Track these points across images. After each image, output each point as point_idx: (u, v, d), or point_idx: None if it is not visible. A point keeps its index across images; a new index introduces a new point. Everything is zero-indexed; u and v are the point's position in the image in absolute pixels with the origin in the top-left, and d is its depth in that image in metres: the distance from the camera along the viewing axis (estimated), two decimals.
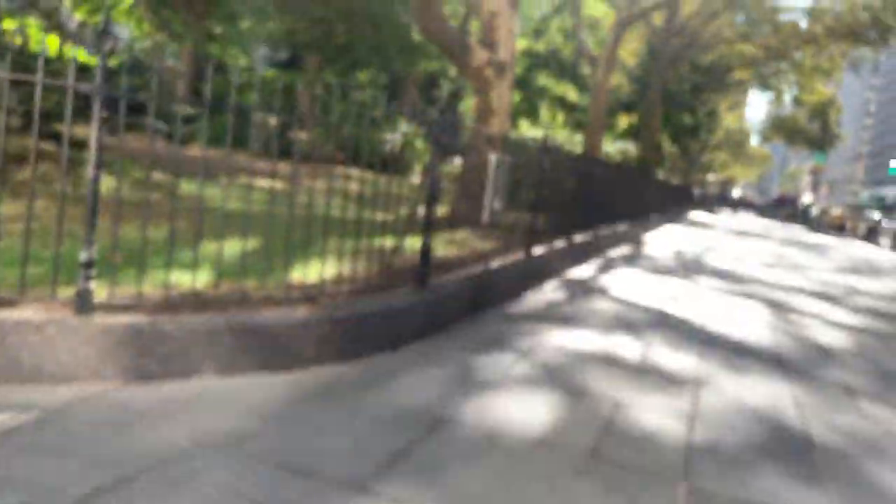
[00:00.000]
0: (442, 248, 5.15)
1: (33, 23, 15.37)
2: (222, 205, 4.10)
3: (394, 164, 4.68)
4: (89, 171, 3.24)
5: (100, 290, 3.50)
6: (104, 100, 3.19)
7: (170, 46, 21.99)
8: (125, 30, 26.28)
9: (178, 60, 21.75)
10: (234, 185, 8.40)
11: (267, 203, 4.15)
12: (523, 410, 3.53)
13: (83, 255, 3.28)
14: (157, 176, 7.92)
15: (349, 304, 4.16)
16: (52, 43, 16.03)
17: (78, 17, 22.35)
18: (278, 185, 8.65)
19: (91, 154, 3.23)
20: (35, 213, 5.34)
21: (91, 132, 3.21)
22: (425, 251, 4.87)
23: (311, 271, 4.57)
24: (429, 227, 4.89)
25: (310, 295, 4.08)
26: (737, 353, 5.32)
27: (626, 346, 5.09)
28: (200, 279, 4.28)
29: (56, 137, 7.86)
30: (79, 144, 7.99)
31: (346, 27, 20.08)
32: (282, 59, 28.71)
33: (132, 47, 21.79)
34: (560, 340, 5.03)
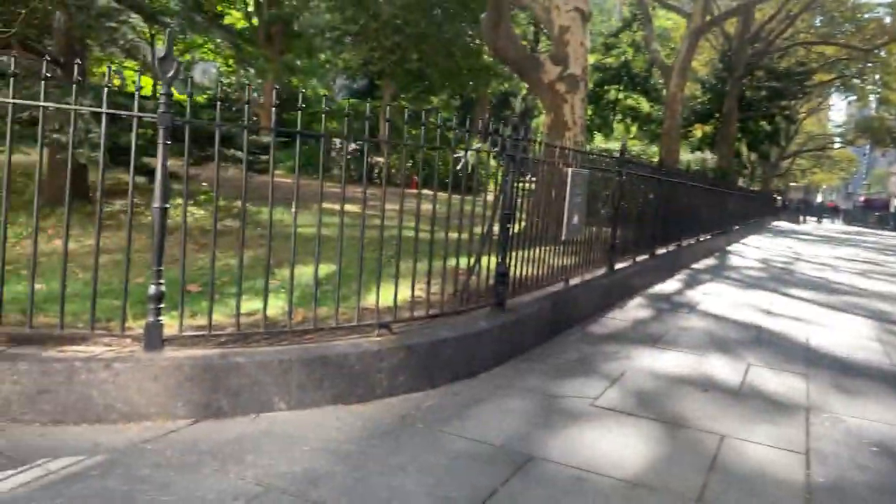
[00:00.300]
0: (519, 266, 4.83)
1: (132, 65, 16.01)
2: (287, 228, 3.90)
3: (466, 183, 4.37)
4: (154, 201, 3.08)
5: (171, 321, 3.34)
6: (167, 129, 3.03)
7: (254, 81, 22.57)
8: (214, 66, 27.18)
9: (260, 94, 22.27)
10: (312, 210, 8.34)
11: (343, 227, 3.93)
12: (616, 445, 3.13)
13: (151, 289, 3.11)
14: (237, 204, 7.91)
15: (424, 330, 3.87)
16: (146, 82, 16.66)
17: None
18: (355, 208, 8.55)
19: (156, 184, 3.07)
20: (122, 246, 5.32)
21: (157, 161, 3.05)
22: (502, 271, 4.54)
23: (386, 295, 4.32)
24: (505, 245, 4.57)
25: (383, 321, 3.81)
26: (846, 373, 4.74)
27: (724, 368, 4.60)
28: (274, 307, 4.09)
29: (147, 171, 7.96)
30: (172, 176, 8.13)
31: (418, 54, 20.09)
32: (359, 88, 29.11)
33: (220, 82, 22.47)
34: (650, 363, 4.59)
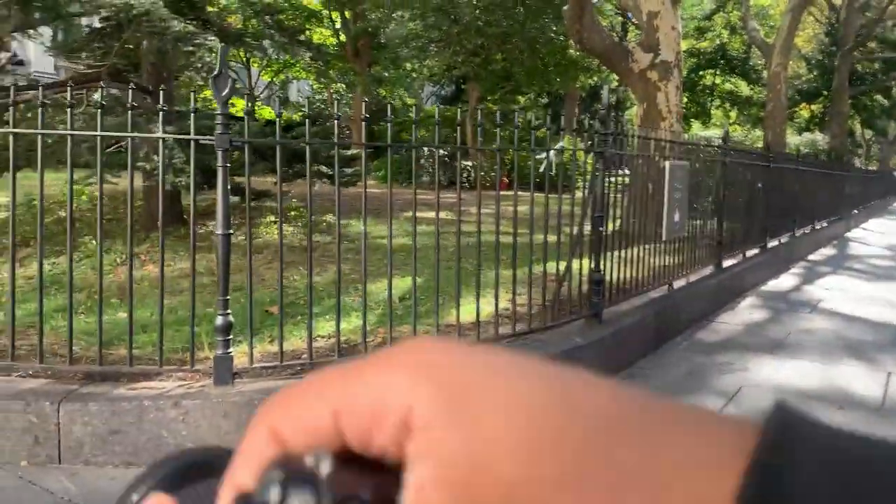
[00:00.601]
0: (615, 270, 4.40)
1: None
2: (371, 240, 3.65)
3: (554, 183, 4.00)
4: (217, 227, 2.90)
5: (242, 350, 3.15)
6: (225, 151, 2.83)
7: (345, 96, 22.88)
8: (305, 84, 27.82)
9: (351, 108, 22.54)
10: (399, 220, 8.15)
11: (428, 236, 3.67)
12: None
13: (219, 320, 2.93)
14: (327, 218, 7.82)
15: (512, 348, 3.52)
16: (238, 103, 17.10)
17: (265, 79, 23.96)
18: (443, 215, 8.32)
19: (218, 210, 2.88)
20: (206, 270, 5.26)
21: (218, 184, 2.86)
22: (597, 278, 4.13)
23: (471, 308, 4.01)
24: (598, 249, 4.15)
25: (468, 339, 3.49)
26: None
27: (859, 379, 3.99)
28: (352, 327, 3.86)
29: (238, 191, 8.01)
30: (258, 195, 8.13)
31: (502, 54, 19.72)
32: (446, 94, 29.03)
33: (311, 100, 22.95)
34: (770, 375, 4.05)
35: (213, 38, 6.04)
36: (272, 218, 7.63)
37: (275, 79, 24.68)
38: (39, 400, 2.75)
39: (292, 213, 7.92)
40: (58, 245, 6.13)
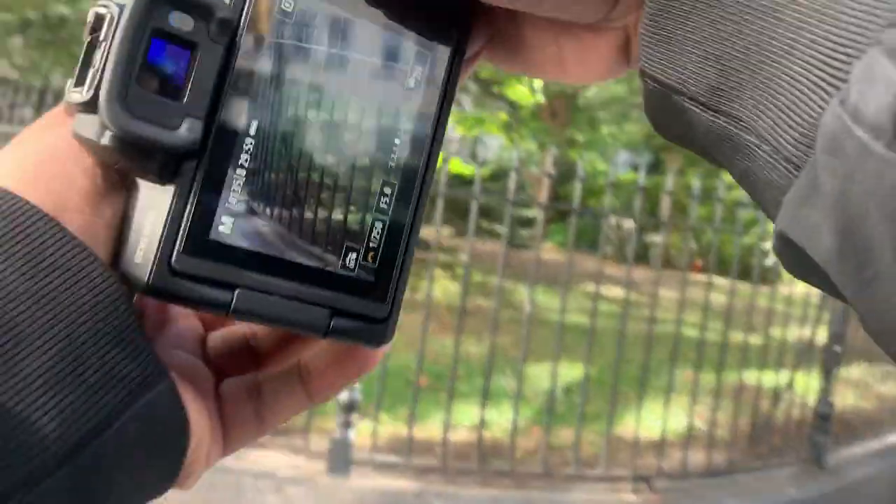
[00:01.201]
0: (848, 398, 3.44)
1: None
2: (544, 312, 3.05)
3: (765, 271, 3.20)
4: None
5: (367, 428, 2.66)
6: None
7: (535, 155, 22.76)
8: (496, 141, 28.17)
9: (539, 167, 22.32)
10: (574, 292, 7.48)
11: (607, 317, 3.03)
12: None
13: (342, 395, 2.45)
14: (488, 280, 7.33)
15: (702, 494, 2.72)
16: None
17: (458, 133, 24.48)
18: (621, 293, 7.51)
19: None
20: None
21: None
22: (824, 411, 3.18)
23: (654, 415, 3.24)
24: (831, 367, 3.22)
25: (642, 474, 2.74)
26: None
27: None
28: (499, 419, 3.26)
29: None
30: (447, 250, 7.90)
31: None
32: (641, 162, 27.97)
33: (500, 157, 23.05)
34: None
35: None
36: (437, 273, 7.29)
37: (467, 134, 25.15)
38: None
39: (458, 269, 7.53)
40: None
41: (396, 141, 0.27)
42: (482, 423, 2.70)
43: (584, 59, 0.27)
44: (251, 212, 0.24)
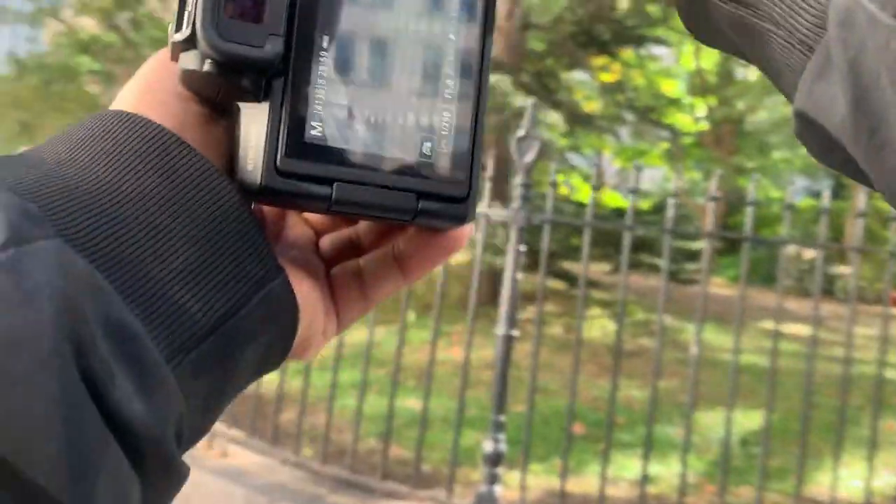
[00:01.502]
0: None
1: (578, 175, 16.56)
2: (714, 353, 2.73)
3: None
4: (499, 325, 2.29)
5: (512, 483, 2.46)
6: (521, 230, 2.25)
7: (700, 185, 21.57)
8: (657, 172, 27.10)
9: (704, 198, 21.12)
10: (752, 329, 6.79)
11: (789, 357, 2.64)
12: None
13: (487, 446, 2.29)
14: (649, 318, 6.86)
15: None
16: (583, 188, 17.03)
17: (615, 165, 23.83)
18: (809, 332, 6.70)
19: (502, 303, 2.28)
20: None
21: (506, 270, 2.27)
22: None
23: (853, 473, 2.76)
24: None
25: None
26: None
27: None
28: (665, 471, 2.93)
29: (562, 276, 7.54)
30: (589, 284, 7.55)
31: None
32: (820, 188, 25.69)
33: (663, 188, 22.06)
34: None
35: (554, 112, 5.71)
36: (595, 311, 6.94)
37: (626, 165, 24.44)
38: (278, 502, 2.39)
39: (617, 307, 7.14)
40: (384, 312, 6.27)
41: (451, 36, 0.30)
42: (645, 478, 2.41)
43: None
44: (336, 115, 0.28)
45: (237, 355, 0.25)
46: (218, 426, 2.77)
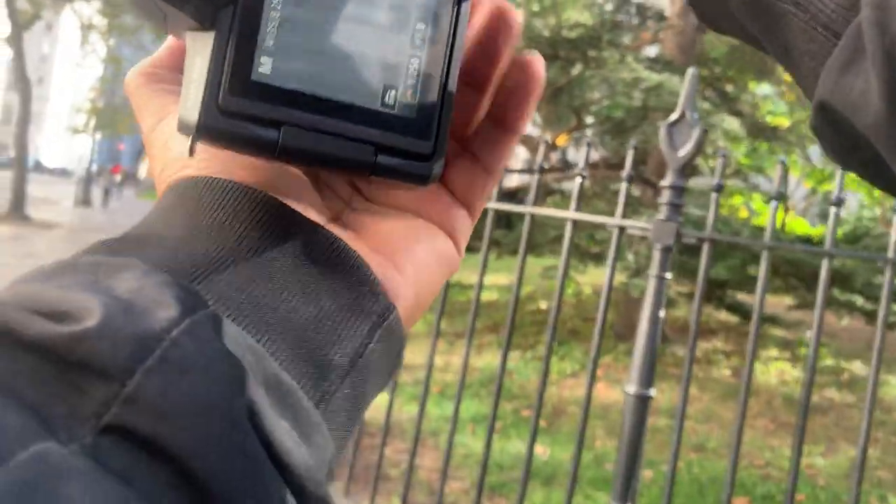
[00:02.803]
0: None
1: (759, 197, 14.94)
2: None
3: None
4: (629, 382, 1.67)
5: None
6: (666, 249, 1.63)
7: None
8: (853, 197, 24.23)
9: None
10: None
11: None
12: None
13: None
14: (846, 367, 5.71)
15: None
16: (762, 210, 15.33)
17: (806, 186, 21.49)
18: None
19: (636, 351, 1.67)
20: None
21: (644, 306, 1.66)
22: None
23: None
24: None
25: None
26: None
27: None
28: None
29: (733, 308, 6.54)
30: (766, 320, 6.49)
31: None
32: None
33: (859, 215, 19.43)
34: None
35: (732, 118, 4.91)
36: (773, 352, 5.91)
37: (817, 188, 21.97)
38: None
39: (802, 349, 6.01)
40: (526, 337, 5.70)
41: None
42: None
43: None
44: (288, 53, 0.25)
45: (367, 390, 0.27)
46: None
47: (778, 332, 6.17)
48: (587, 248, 5.57)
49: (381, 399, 3.84)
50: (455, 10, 0.27)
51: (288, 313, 0.25)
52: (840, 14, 0.19)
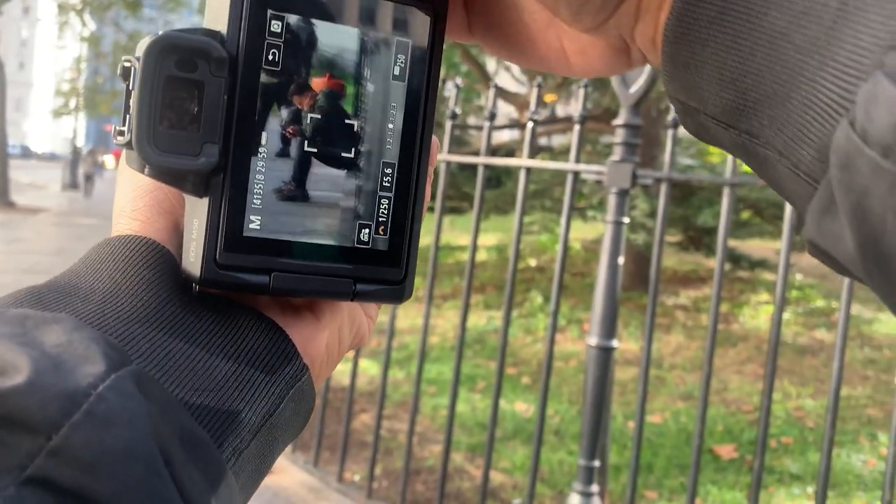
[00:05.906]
0: None
1: None
2: None
3: None
4: (589, 335, 1.58)
5: None
6: (622, 193, 1.53)
7: None
8: None
9: None
10: None
11: None
12: None
13: (573, 500, 1.62)
14: (833, 306, 5.65)
15: None
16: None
17: None
18: None
19: (595, 300, 1.58)
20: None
21: (602, 252, 1.57)
22: None
23: None
24: None
25: None
26: None
27: None
28: None
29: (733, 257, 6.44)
30: (756, 264, 6.41)
31: None
32: None
33: None
34: None
35: None
36: (763, 297, 5.84)
37: None
38: None
39: (793, 292, 5.94)
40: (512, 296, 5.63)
41: (390, 125, 0.31)
42: None
43: (585, 52, 0.29)
44: (274, 209, 0.29)
45: (275, 445, 0.30)
46: None
47: (768, 276, 6.09)
48: (575, 202, 5.47)
49: (368, 365, 3.76)
50: (419, 157, 0.31)
51: (206, 371, 0.27)
52: (817, 166, 0.20)
